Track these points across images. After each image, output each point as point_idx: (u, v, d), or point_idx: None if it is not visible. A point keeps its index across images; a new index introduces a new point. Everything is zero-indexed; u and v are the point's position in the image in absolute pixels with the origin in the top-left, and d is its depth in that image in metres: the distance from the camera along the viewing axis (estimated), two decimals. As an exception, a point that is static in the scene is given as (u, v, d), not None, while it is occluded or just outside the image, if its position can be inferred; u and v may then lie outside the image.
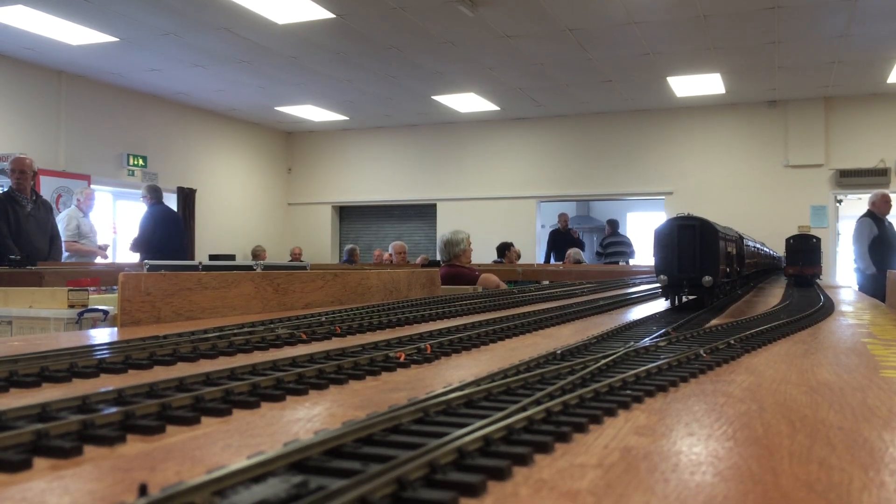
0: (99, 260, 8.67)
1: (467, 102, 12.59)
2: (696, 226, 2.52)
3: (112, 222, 12.13)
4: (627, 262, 12.47)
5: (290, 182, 15.74)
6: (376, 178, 14.97)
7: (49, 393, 1.12)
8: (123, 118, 11.82)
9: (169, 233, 8.59)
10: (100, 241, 8.76)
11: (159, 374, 1.30)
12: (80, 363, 1.29)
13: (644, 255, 12.38)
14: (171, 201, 12.39)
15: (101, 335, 2.04)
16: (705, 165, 12.60)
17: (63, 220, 8.13)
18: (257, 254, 13.79)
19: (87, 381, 1.23)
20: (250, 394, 1.08)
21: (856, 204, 12.68)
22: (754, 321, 2.16)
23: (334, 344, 1.71)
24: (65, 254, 7.89)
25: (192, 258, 9.39)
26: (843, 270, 12.63)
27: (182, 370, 1.32)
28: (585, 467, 0.74)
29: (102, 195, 11.84)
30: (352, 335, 1.89)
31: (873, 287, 7.45)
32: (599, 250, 13.18)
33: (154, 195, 8.81)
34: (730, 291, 3.16)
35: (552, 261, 12.48)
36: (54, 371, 1.24)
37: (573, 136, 13.61)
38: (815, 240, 4.65)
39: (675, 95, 11.82)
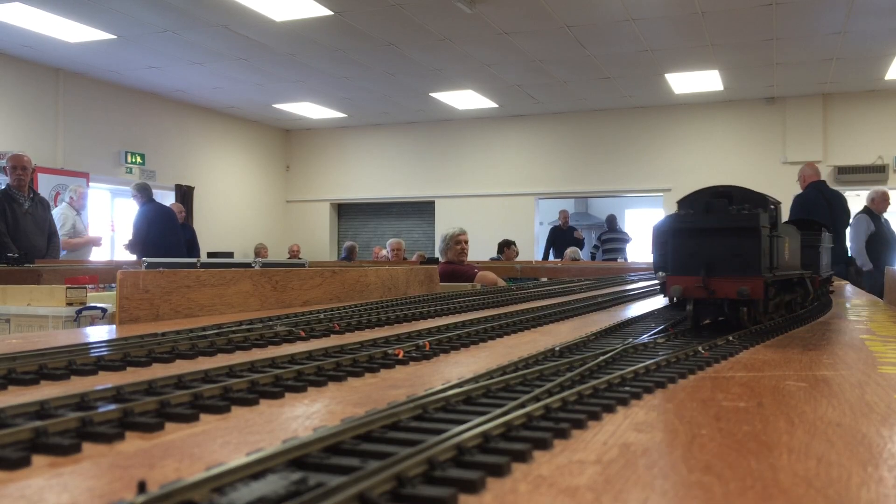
0: (95, 252, 8.68)
1: (465, 99, 12.58)
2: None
3: (110, 220, 12.11)
4: (626, 258, 12.48)
5: (288, 179, 15.73)
6: (375, 176, 14.97)
7: (47, 390, 1.12)
8: (121, 116, 11.80)
9: (163, 230, 8.57)
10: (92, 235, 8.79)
11: (158, 371, 1.30)
12: (79, 361, 1.29)
13: (644, 251, 12.38)
14: (170, 199, 12.38)
15: (100, 333, 2.04)
16: (703, 162, 12.61)
17: (58, 220, 8.12)
18: (258, 252, 13.78)
19: (85, 379, 1.23)
20: (249, 391, 1.08)
21: (854, 200, 12.69)
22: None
23: (333, 341, 1.71)
24: (62, 252, 7.89)
25: (193, 254, 9.33)
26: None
27: (181, 367, 1.32)
28: (584, 463, 0.74)
29: (100, 193, 11.83)
30: (350, 332, 1.89)
31: (870, 283, 7.45)
32: (597, 244, 13.21)
33: (144, 193, 8.74)
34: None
35: (551, 257, 12.49)
36: (53, 369, 1.24)
37: (571, 134, 13.61)
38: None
39: (673, 92, 11.82)
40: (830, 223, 6.61)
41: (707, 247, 1.78)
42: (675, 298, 1.84)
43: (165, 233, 8.55)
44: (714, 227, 1.78)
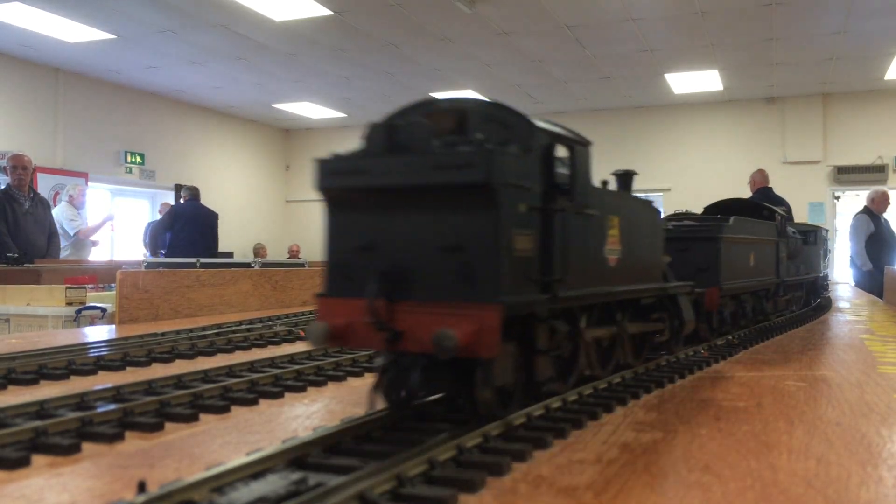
0: (95, 252, 8.77)
1: (465, 99, 12.56)
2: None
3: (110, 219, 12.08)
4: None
5: (288, 179, 15.73)
6: (374, 176, 14.95)
7: (47, 390, 1.12)
8: (121, 115, 11.79)
9: (184, 229, 8.68)
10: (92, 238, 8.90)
11: (157, 371, 1.30)
12: (78, 361, 1.29)
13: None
14: (170, 198, 12.36)
15: (99, 333, 2.04)
16: (703, 162, 12.59)
17: (66, 216, 8.19)
18: (257, 252, 13.76)
19: (85, 379, 1.23)
20: (249, 391, 1.08)
21: (853, 200, 12.70)
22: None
23: (333, 341, 1.70)
24: (65, 250, 7.91)
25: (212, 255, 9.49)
26: (841, 267, 12.63)
27: (180, 367, 1.32)
28: (584, 463, 0.74)
29: (100, 192, 11.82)
30: (350, 332, 1.89)
31: (870, 283, 7.45)
32: None
33: (183, 193, 9.23)
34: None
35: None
36: (52, 368, 1.24)
37: (571, 133, 13.59)
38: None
39: (673, 92, 11.81)
40: None
41: (387, 232, 0.85)
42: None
43: (180, 232, 8.65)
44: (398, 186, 0.85)
